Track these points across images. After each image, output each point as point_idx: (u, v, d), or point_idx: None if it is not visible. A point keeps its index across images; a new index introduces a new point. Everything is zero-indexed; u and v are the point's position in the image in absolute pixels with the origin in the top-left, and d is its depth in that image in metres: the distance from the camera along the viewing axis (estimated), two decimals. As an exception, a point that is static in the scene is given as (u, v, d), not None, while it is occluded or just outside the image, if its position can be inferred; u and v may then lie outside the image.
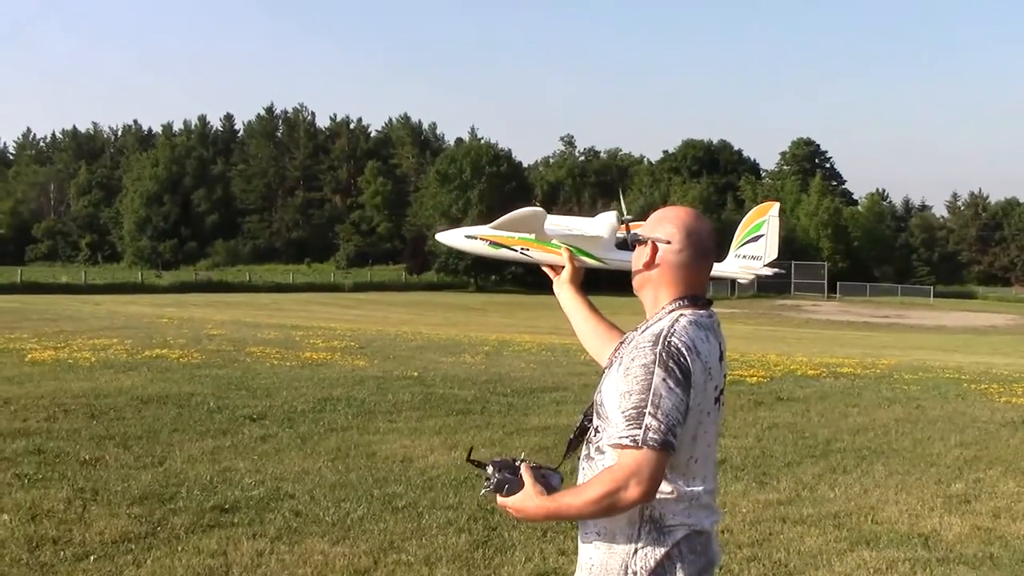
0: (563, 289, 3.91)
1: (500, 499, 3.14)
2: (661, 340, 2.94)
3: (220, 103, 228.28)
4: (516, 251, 4.55)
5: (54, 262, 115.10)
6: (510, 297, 71.92)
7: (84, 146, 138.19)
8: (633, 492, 2.85)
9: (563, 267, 3.98)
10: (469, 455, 3.36)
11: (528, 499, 3.06)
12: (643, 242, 3.21)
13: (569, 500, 2.97)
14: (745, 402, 13.73)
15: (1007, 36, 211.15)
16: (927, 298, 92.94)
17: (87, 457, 8.76)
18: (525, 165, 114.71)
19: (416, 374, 15.36)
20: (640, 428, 2.85)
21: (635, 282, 3.27)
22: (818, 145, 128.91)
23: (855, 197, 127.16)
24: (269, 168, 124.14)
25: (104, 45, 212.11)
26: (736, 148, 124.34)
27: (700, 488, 3.00)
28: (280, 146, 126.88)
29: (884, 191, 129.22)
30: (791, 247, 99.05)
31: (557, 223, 4.04)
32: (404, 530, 6.98)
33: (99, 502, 7.36)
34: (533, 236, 4.23)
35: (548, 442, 10.04)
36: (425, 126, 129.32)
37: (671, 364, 2.89)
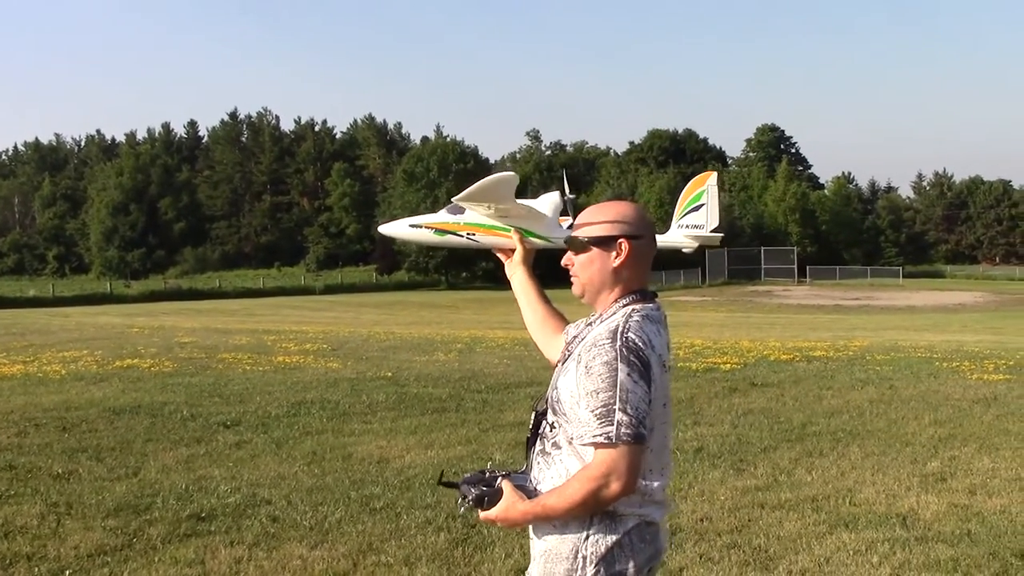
0: (516, 271, 3.94)
1: (483, 513, 3.13)
2: (619, 336, 2.96)
3: (183, 110, 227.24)
4: (463, 236, 4.56)
5: (21, 276, 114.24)
6: (481, 294, 71.81)
7: (47, 158, 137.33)
8: (614, 488, 2.89)
9: (513, 250, 4.01)
10: (440, 479, 3.36)
11: (511, 508, 3.08)
12: (588, 247, 3.19)
13: (553, 502, 2.99)
14: (720, 389, 13.77)
15: (969, 11, 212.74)
16: (896, 279, 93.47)
17: (60, 471, 8.67)
18: (492, 161, 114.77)
19: (390, 374, 15.31)
20: (612, 425, 2.88)
21: (583, 283, 3.24)
22: (783, 131, 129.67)
23: (821, 181, 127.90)
24: (235, 173, 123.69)
25: (63, 55, 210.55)
26: (702, 136, 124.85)
27: (655, 482, 3.04)
28: (245, 151, 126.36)
29: (850, 174, 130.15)
30: (760, 233, 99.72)
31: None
32: (383, 531, 6.94)
33: (73, 516, 7.28)
34: (491, 212, 4.20)
35: (524, 437, 9.98)
36: (391, 126, 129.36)
37: (632, 358, 2.92)
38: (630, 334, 2.96)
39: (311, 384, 14.16)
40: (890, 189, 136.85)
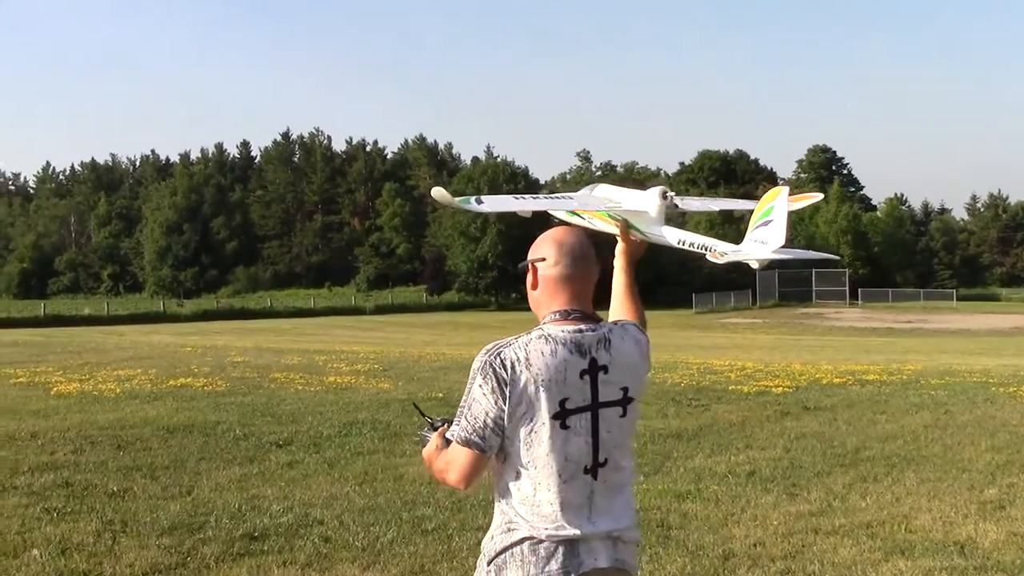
0: (616, 262, 4.04)
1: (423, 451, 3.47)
2: (492, 350, 3.23)
3: (237, 130, 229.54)
4: (584, 219, 4.49)
5: (77, 294, 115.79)
6: (531, 315, 71.77)
7: (103, 178, 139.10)
8: (451, 478, 3.30)
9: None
10: (416, 405, 3.99)
11: (427, 448, 3.43)
12: (524, 272, 3.42)
13: (435, 460, 3.37)
14: (772, 412, 13.68)
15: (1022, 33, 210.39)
16: (950, 301, 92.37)
17: (115, 489, 8.77)
18: (542, 182, 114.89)
19: (441, 395, 15.32)
20: (458, 425, 3.25)
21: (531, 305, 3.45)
22: (835, 152, 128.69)
23: (874, 203, 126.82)
24: (287, 193, 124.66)
25: (119, 76, 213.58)
26: (753, 157, 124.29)
27: (542, 496, 3.19)
28: (297, 171, 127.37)
29: (903, 196, 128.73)
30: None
31: (605, 193, 3.99)
32: (435, 553, 6.95)
33: (128, 534, 7.35)
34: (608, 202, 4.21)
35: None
36: (441, 146, 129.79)
37: (490, 372, 3.18)
38: (506, 349, 3.20)
39: (362, 404, 14.20)
40: (943, 211, 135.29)
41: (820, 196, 4.76)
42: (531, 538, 3.18)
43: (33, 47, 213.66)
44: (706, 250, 4.22)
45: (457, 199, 4.84)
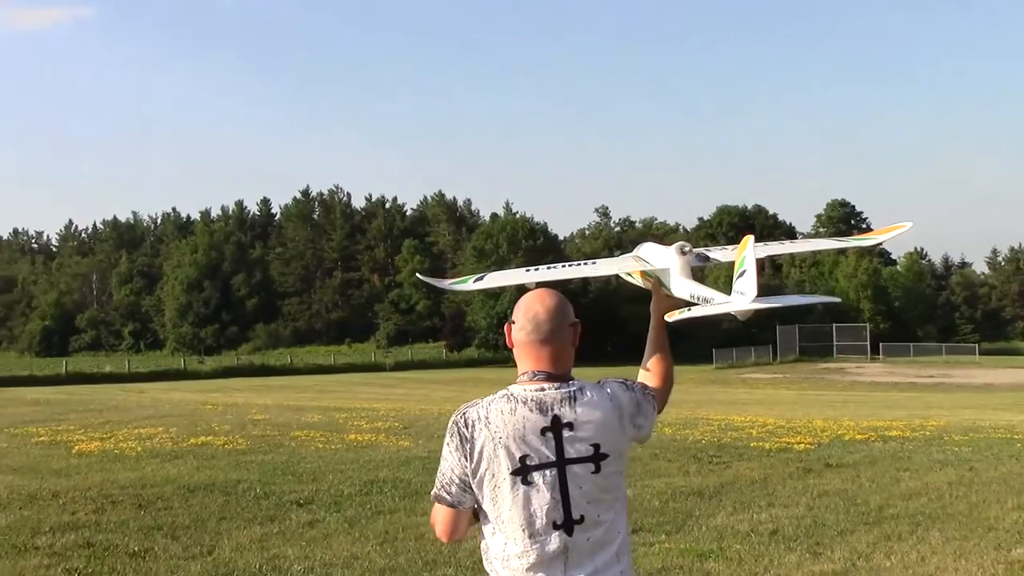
0: (652, 316, 4.10)
1: None
2: (460, 410, 3.38)
3: (256, 188, 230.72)
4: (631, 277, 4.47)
5: (98, 351, 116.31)
6: (551, 370, 71.69)
7: (124, 235, 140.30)
8: (436, 531, 3.47)
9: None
10: None
11: None
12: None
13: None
14: (794, 470, 13.58)
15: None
16: (972, 356, 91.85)
17: (136, 549, 8.76)
18: (561, 237, 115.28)
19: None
20: (434, 483, 3.44)
21: None
22: (853, 206, 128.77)
23: (893, 257, 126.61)
24: (307, 250, 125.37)
25: (141, 136, 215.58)
26: (771, 212, 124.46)
27: (511, 550, 3.29)
28: (317, 228, 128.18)
29: (923, 250, 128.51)
30: (831, 310, 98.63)
31: (645, 252, 3.98)
32: (456, 614, 6.91)
33: (149, 595, 7.34)
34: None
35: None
36: (460, 202, 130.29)
37: (455, 431, 3.34)
38: (470, 410, 3.35)
39: (383, 463, 14.18)
40: (964, 264, 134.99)
41: (908, 225, 4.71)
42: None
43: (56, 108, 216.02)
44: (706, 302, 4.23)
45: (449, 281, 4.89)
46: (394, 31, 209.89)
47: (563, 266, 4.61)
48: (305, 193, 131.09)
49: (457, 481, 3.34)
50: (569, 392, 3.33)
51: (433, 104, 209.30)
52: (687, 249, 4.20)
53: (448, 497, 3.37)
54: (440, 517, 3.42)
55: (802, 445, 16.28)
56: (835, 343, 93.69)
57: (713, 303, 4.07)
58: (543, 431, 3.27)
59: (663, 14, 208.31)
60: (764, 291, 4.28)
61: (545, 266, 4.64)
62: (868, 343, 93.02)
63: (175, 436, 17.60)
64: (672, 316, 4.21)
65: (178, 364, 74.61)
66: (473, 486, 3.32)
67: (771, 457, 14.88)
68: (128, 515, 10.28)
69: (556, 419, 3.28)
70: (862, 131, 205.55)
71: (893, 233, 4.68)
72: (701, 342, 79.45)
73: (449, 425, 3.37)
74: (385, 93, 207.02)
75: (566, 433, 3.28)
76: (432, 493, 3.42)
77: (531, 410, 3.29)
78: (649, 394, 3.58)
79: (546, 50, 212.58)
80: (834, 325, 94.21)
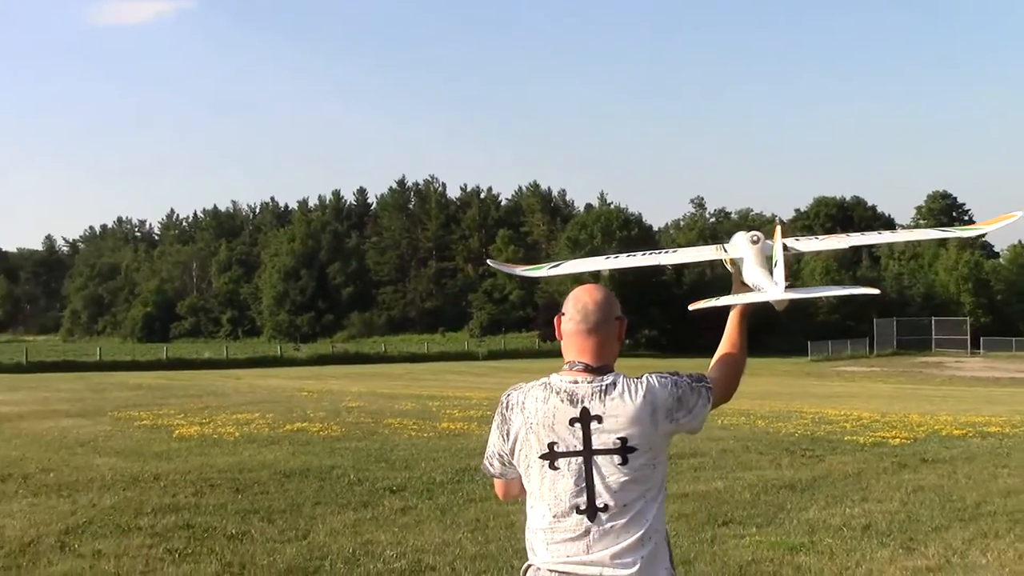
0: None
1: None
2: (507, 391, 3.60)
3: (353, 178, 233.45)
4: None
5: (197, 338, 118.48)
6: (643, 361, 71.49)
7: (224, 224, 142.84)
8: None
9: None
10: None
11: None
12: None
13: None
14: (888, 464, 13.42)
15: None
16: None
17: (233, 531, 8.96)
18: (655, 228, 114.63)
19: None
20: None
21: None
22: (955, 198, 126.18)
23: (996, 250, 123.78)
24: (402, 240, 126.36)
25: (241, 125, 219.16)
26: (870, 204, 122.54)
27: (538, 524, 3.49)
28: (412, 217, 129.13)
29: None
30: (931, 303, 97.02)
31: (735, 241, 3.90)
32: (545, 601, 6.95)
33: (247, 576, 7.51)
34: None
35: (687, 509, 9.93)
36: (555, 193, 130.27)
37: (500, 410, 3.59)
38: (514, 392, 3.58)
39: (475, 451, 14.24)
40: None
41: (1018, 215, 4.46)
42: (532, 566, 3.51)
43: (157, 99, 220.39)
44: (758, 290, 4.15)
45: (522, 268, 4.89)
46: (488, 24, 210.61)
47: (642, 254, 4.60)
48: (401, 183, 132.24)
49: (498, 455, 3.62)
50: (602, 386, 3.47)
51: (529, 95, 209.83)
52: (757, 238, 4.15)
53: (491, 468, 3.69)
54: (494, 482, 3.76)
55: (897, 440, 16.08)
56: (933, 337, 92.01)
57: (746, 295, 4.02)
58: (572, 421, 3.44)
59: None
60: (855, 283, 4.20)
61: (625, 254, 4.62)
62: (968, 337, 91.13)
63: (271, 422, 17.91)
64: (696, 305, 4.24)
65: (274, 351, 75.59)
66: (512, 463, 3.58)
67: (865, 451, 14.72)
68: (226, 498, 10.51)
69: (585, 411, 3.44)
70: (965, 122, 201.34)
71: (1001, 224, 4.43)
72: (796, 334, 78.61)
73: (498, 405, 3.61)
74: (481, 84, 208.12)
75: (594, 425, 3.42)
76: (483, 464, 3.72)
77: (562, 400, 3.47)
78: (703, 385, 3.63)
79: (642, 40, 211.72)
80: (933, 319, 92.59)
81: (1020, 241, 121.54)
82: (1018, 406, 29.78)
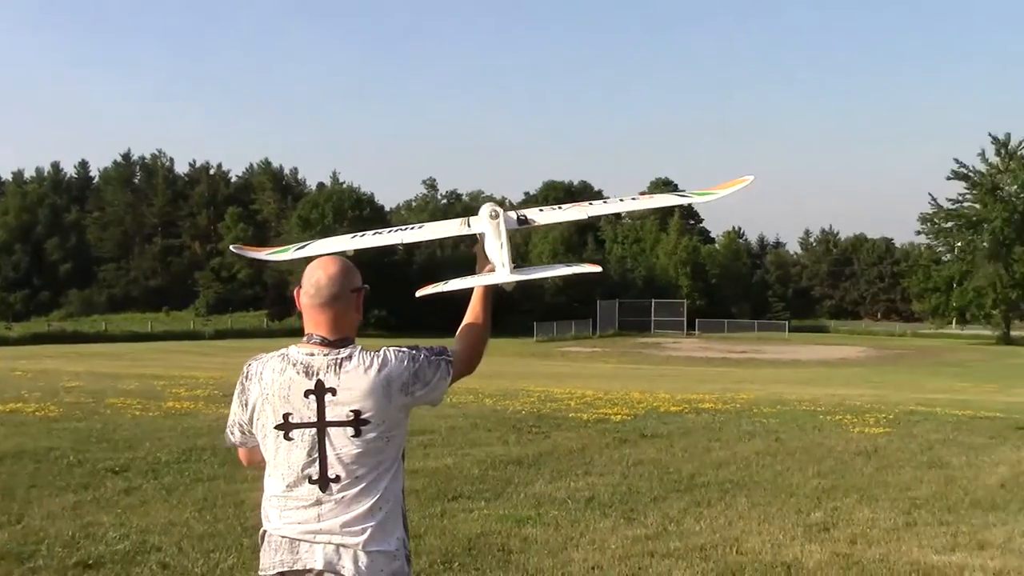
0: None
1: None
2: (248, 361, 3.64)
3: (75, 149, 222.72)
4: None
5: None
6: (373, 340, 71.47)
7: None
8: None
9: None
10: None
11: None
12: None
13: None
14: (610, 440, 13.94)
15: (854, 71, 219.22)
16: (782, 333, 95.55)
17: (-61, 518, 8.47)
18: (387, 208, 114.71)
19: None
20: None
21: None
22: (676, 184, 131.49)
23: (712, 235, 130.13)
24: (126, 215, 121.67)
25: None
26: (596, 188, 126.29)
27: (273, 491, 3.58)
28: (138, 192, 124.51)
29: (740, 229, 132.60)
30: (652, 286, 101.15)
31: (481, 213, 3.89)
32: (275, 579, 6.90)
33: (-45, 563, 7.12)
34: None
35: (418, 485, 10.03)
36: (286, 171, 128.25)
37: (240, 380, 3.62)
38: (253, 363, 3.62)
39: (202, 430, 13.98)
40: (778, 244, 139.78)
41: (751, 179, 4.52)
42: (267, 532, 3.61)
43: None
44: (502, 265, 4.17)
45: (267, 252, 4.80)
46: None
47: (389, 231, 4.59)
48: (126, 157, 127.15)
49: (239, 424, 3.66)
50: (337, 359, 3.52)
51: (260, 69, 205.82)
52: (496, 213, 4.17)
53: (231, 437, 3.74)
54: (237, 450, 3.81)
55: (619, 416, 16.71)
56: (653, 318, 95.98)
57: (472, 278, 4.07)
58: (306, 393, 3.50)
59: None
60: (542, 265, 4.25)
61: (371, 231, 4.60)
62: (685, 319, 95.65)
63: (-18, 403, 16.99)
64: (424, 291, 4.25)
65: (-16, 329, 71.76)
66: (251, 431, 3.63)
67: (589, 428, 15.23)
68: (-68, 482, 9.92)
69: (320, 384, 3.49)
70: (680, 110, 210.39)
71: (735, 188, 4.46)
72: (522, 315, 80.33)
73: (240, 374, 3.64)
74: (210, 55, 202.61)
75: (328, 397, 3.48)
76: (225, 432, 3.76)
77: (298, 372, 3.51)
78: (443, 358, 3.70)
79: (375, 21, 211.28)
80: (653, 301, 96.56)
81: (734, 227, 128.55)
82: (729, 384, 31.47)
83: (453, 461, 11.77)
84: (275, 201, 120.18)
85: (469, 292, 4.06)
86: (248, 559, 7.35)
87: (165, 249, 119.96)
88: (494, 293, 4.04)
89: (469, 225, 4.30)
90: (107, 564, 7.16)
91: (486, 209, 4.21)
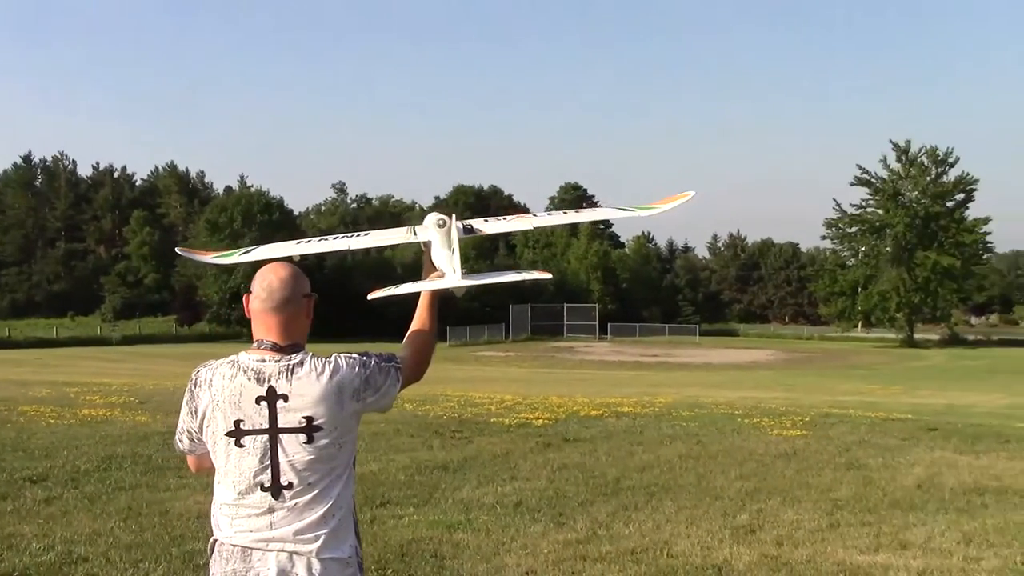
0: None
1: None
2: (197, 368, 3.60)
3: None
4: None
5: None
6: (312, 346, 70.87)
7: None
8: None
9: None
10: None
11: None
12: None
13: None
14: (534, 444, 13.99)
15: (757, 76, 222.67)
16: (692, 336, 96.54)
17: None
18: (296, 212, 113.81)
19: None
20: None
21: None
22: (585, 189, 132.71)
23: (622, 240, 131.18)
24: (27, 219, 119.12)
25: None
26: (506, 193, 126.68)
27: (225, 501, 3.51)
28: (39, 196, 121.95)
29: (649, 234, 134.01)
30: (563, 290, 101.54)
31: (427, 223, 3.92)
32: (207, 588, 6.82)
33: None
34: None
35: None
36: (193, 174, 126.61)
37: (189, 387, 3.57)
38: (202, 369, 3.57)
39: (120, 438, 13.75)
40: (687, 249, 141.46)
41: (692, 194, 4.58)
42: (218, 540, 3.52)
43: None
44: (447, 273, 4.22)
45: (211, 256, 4.79)
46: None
47: (335, 238, 4.59)
48: (27, 159, 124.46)
49: (187, 432, 3.61)
50: (289, 365, 3.50)
51: (167, 71, 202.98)
52: (443, 222, 4.20)
53: (180, 445, 3.69)
54: (186, 458, 3.76)
55: (540, 421, 16.78)
56: (565, 323, 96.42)
57: (424, 283, 4.09)
58: (258, 400, 3.45)
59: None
60: (488, 271, 4.30)
61: (317, 238, 4.61)
62: (597, 323, 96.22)
63: None
64: (376, 294, 4.29)
65: None
66: (200, 439, 3.58)
67: (511, 432, 15.27)
68: None
69: (271, 390, 3.46)
70: (591, 116, 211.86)
71: (677, 202, 4.53)
72: (438, 321, 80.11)
73: (189, 380, 3.59)
74: (113, 55, 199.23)
75: (280, 404, 3.45)
76: (174, 440, 3.73)
77: (249, 379, 3.48)
78: (393, 365, 3.71)
79: (286, 26, 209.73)
80: (565, 305, 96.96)
81: (643, 232, 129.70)
82: (644, 388, 31.75)
83: (379, 467, 11.72)
84: (181, 205, 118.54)
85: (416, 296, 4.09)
86: (178, 569, 7.26)
87: (69, 253, 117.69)
88: (440, 299, 4.06)
89: (415, 234, 4.33)
90: (33, 576, 7.02)
91: (432, 218, 4.24)
